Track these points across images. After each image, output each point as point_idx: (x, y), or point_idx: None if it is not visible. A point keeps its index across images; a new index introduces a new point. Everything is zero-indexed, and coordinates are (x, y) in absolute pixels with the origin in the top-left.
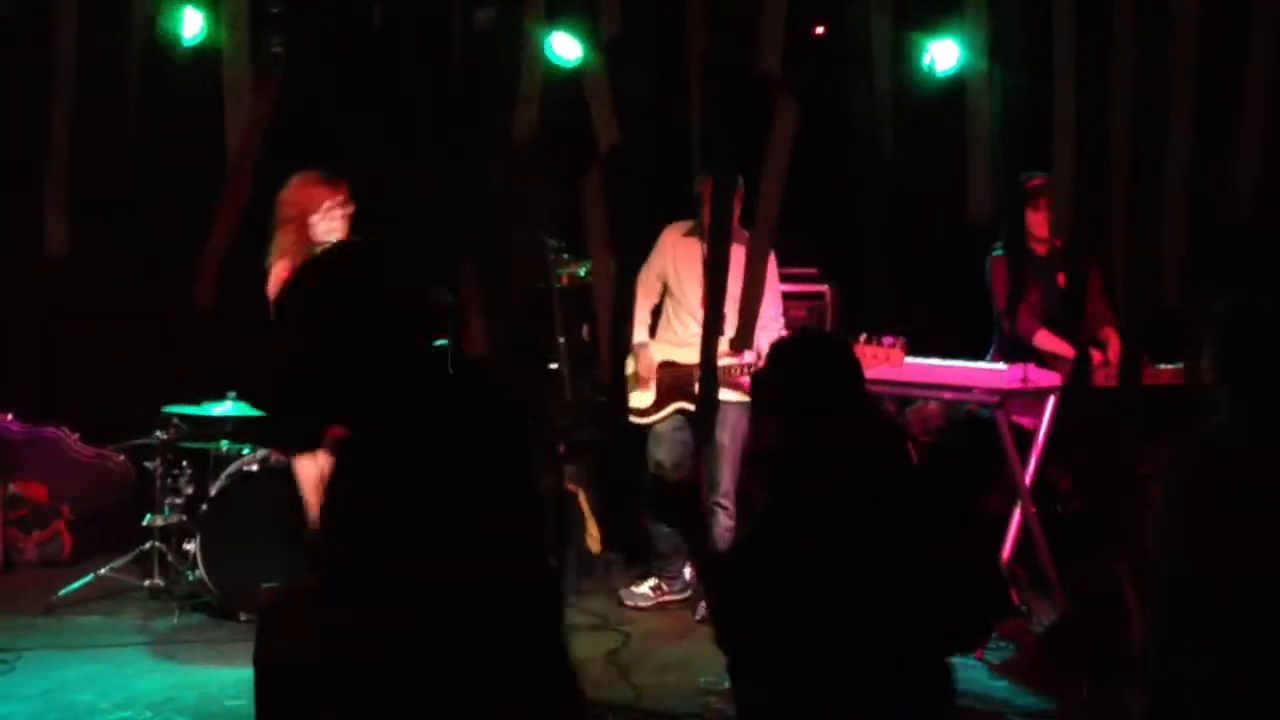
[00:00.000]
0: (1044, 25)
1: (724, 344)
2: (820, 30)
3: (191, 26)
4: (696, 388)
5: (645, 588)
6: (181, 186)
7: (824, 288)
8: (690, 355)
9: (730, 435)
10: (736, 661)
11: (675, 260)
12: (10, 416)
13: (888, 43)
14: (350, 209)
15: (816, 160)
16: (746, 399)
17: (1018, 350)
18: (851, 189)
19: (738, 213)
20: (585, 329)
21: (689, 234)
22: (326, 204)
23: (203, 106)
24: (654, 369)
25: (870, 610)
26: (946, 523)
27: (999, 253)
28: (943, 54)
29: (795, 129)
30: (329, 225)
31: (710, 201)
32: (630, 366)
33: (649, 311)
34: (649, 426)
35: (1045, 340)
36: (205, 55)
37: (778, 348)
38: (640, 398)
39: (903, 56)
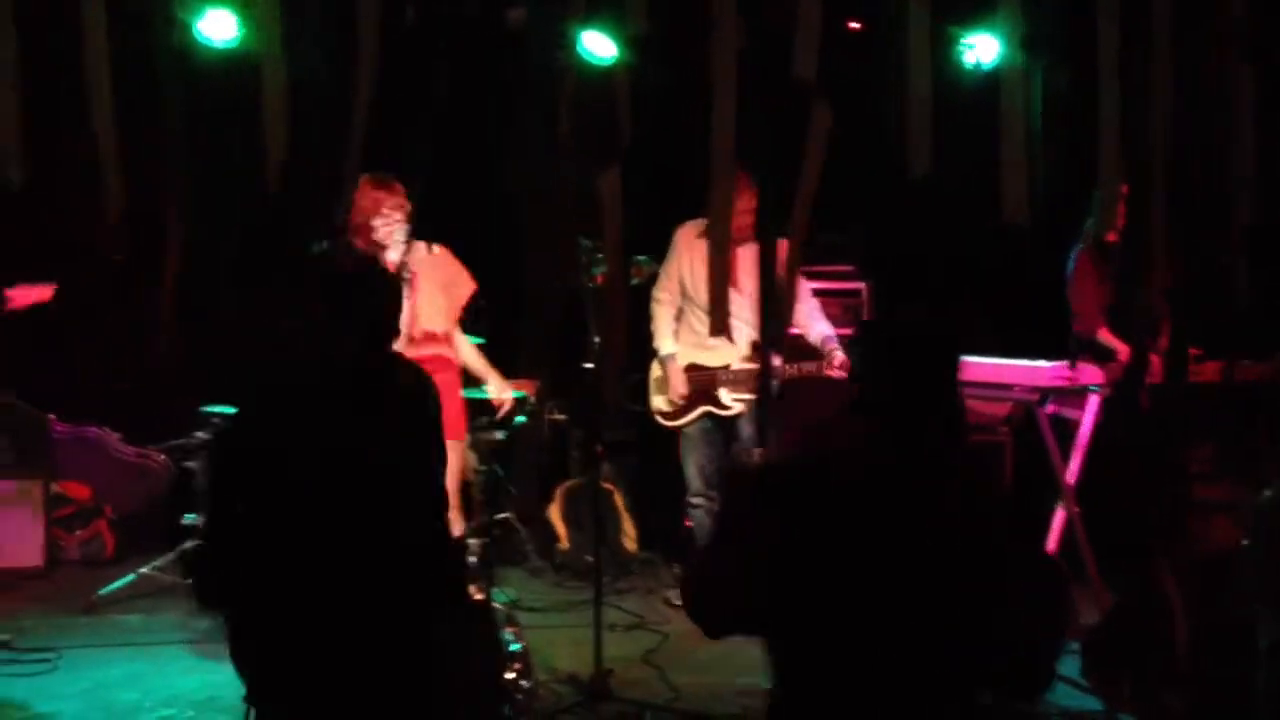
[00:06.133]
0: (1087, 20)
1: (747, 349)
2: (856, 26)
3: (224, 29)
4: (721, 390)
5: None
6: (219, 190)
7: (860, 285)
8: (712, 358)
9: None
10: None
11: (691, 262)
12: (53, 417)
13: (928, 40)
14: (408, 208)
15: (858, 156)
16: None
17: (1088, 347)
18: (894, 186)
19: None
20: None
21: (702, 235)
22: (385, 207)
23: (236, 110)
24: (685, 380)
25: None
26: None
27: (1080, 247)
28: (983, 48)
29: (830, 133)
30: (389, 228)
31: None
32: (655, 370)
33: (674, 318)
34: (679, 430)
35: (1106, 337)
36: (240, 59)
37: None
38: (666, 401)
39: (941, 51)
